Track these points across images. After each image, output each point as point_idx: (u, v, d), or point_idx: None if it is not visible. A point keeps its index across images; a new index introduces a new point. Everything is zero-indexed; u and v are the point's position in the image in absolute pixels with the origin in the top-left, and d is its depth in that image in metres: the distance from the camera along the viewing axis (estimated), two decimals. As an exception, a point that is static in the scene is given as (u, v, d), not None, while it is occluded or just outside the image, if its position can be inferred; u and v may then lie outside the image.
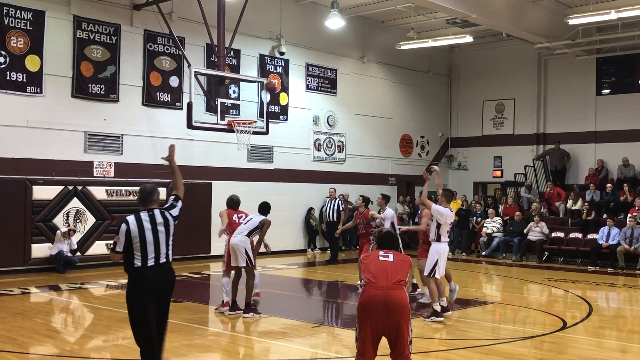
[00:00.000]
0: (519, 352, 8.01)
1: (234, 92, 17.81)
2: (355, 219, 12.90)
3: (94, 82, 15.71)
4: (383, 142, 22.96)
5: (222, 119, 14.39)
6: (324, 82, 21.01)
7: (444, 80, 25.39)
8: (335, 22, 18.37)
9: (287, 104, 19.78)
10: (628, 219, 17.51)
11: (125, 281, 5.84)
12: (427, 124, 24.68)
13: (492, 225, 20.03)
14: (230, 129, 14.44)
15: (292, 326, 9.49)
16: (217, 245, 15.35)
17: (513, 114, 24.02)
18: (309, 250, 20.10)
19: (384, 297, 5.09)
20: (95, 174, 15.76)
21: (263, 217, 10.19)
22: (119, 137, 16.18)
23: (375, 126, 22.60)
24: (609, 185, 19.84)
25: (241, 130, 14.30)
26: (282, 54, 19.46)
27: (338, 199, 18.74)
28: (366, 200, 12.74)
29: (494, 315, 10.93)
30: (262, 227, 10.08)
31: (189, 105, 13.95)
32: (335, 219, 18.25)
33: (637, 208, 17.89)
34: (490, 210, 20.61)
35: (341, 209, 18.31)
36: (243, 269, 10.09)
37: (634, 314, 11.65)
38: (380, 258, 5.30)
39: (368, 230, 12.25)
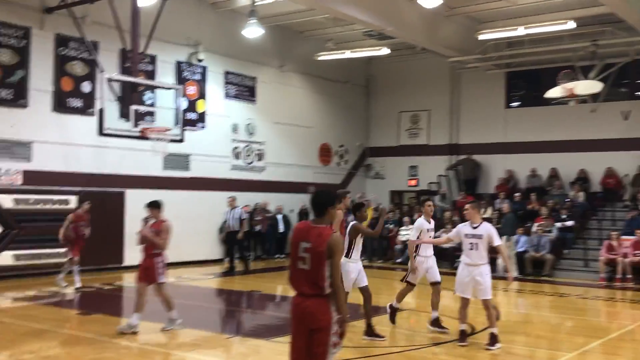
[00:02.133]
0: (428, 359, 8.21)
1: (150, 98, 17.48)
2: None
3: (2, 86, 15.10)
4: (302, 150, 23.10)
5: (136, 126, 14.12)
6: (243, 90, 20.95)
7: (362, 91, 25.80)
8: (253, 31, 18.36)
9: (205, 111, 19.60)
10: (535, 227, 18.27)
11: (34, 293, 5.64)
12: (346, 134, 25.00)
13: (407, 233, 20.44)
14: (144, 136, 14.18)
15: (206, 338, 9.39)
16: (131, 256, 15.00)
17: (428, 125, 24.66)
18: (227, 259, 19.91)
19: None
20: (1, 182, 15.12)
21: None
22: (27, 143, 15.59)
23: (294, 135, 22.72)
24: (517, 194, 20.65)
25: (155, 138, 14.05)
26: (199, 60, 19.29)
27: (239, 208, 18.17)
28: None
29: (408, 322, 11.15)
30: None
31: (101, 111, 13.63)
32: (237, 228, 17.55)
33: (543, 217, 18.71)
34: (406, 219, 21.05)
35: (242, 217, 17.83)
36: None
37: (541, 319, 12.14)
38: None
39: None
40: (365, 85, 25.89)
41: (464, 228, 8.90)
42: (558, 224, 18.60)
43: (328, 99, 24.11)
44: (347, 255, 8.88)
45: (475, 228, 8.75)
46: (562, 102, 19.03)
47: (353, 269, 9.02)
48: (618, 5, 16.05)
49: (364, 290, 9.16)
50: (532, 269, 17.65)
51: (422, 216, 10.00)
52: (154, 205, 9.71)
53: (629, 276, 16.27)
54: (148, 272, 9.45)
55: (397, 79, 25.03)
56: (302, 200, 22.16)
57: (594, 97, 18.77)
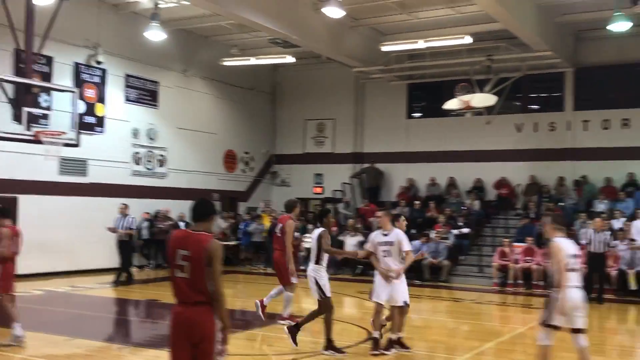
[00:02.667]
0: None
1: (46, 101, 16.79)
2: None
3: None
4: (206, 157, 22.82)
5: (29, 129, 13.53)
6: (144, 94, 20.50)
7: (267, 98, 25.81)
8: (155, 34, 18.01)
9: (104, 115, 19.03)
10: (434, 234, 18.83)
11: None
12: (252, 141, 24.92)
13: (310, 240, 20.56)
14: (37, 140, 13.60)
15: (97, 348, 9.09)
16: (25, 264, 14.29)
17: (333, 133, 24.97)
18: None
19: None
20: None
21: None
22: None
23: (198, 141, 22.42)
24: (417, 202, 21.23)
25: (49, 142, 13.51)
26: (99, 63, 18.73)
27: (130, 216, 17.42)
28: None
29: (304, 330, 11.18)
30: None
31: (-9, 113, 12.97)
32: (127, 237, 16.64)
33: (441, 224, 19.31)
34: (310, 226, 21.17)
35: (133, 226, 17.07)
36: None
37: (439, 324, 12.49)
38: None
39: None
40: (271, 93, 25.92)
41: (376, 236, 9.01)
42: (455, 231, 19.25)
43: (233, 105, 23.97)
44: (317, 262, 8.89)
45: (386, 235, 8.87)
46: (460, 113, 19.72)
47: (325, 274, 8.93)
48: (511, 23, 16.84)
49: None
50: (429, 275, 18.16)
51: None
52: None
53: (520, 281, 17.04)
54: None
55: (303, 87, 25.21)
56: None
57: (489, 110, 19.57)
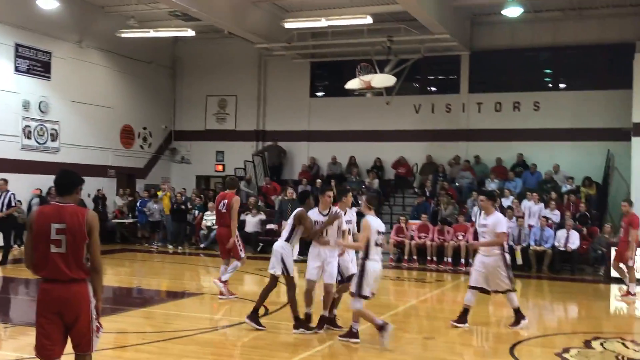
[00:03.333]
0: (218, 340, 8.25)
1: None
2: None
3: None
4: (102, 132, 22.02)
5: None
6: (36, 65, 19.49)
7: (167, 73, 25.17)
8: (47, 2, 17.17)
9: (-9, 86, 17.99)
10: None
11: None
12: (150, 116, 24.25)
13: (211, 218, 20.36)
14: None
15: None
16: None
17: (235, 110, 24.71)
18: (15, 246, 18.45)
19: None
20: None
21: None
22: None
23: (93, 115, 21.58)
24: (318, 180, 21.41)
25: None
26: (-15, 30, 17.64)
27: (10, 192, 16.51)
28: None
29: (203, 306, 11.11)
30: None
31: None
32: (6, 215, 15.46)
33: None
34: (210, 204, 20.93)
35: (12, 203, 16.22)
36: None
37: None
38: None
39: None
40: (171, 67, 25.30)
41: (314, 215, 8.83)
42: (355, 209, 19.52)
43: (131, 79, 23.20)
44: (287, 240, 8.67)
45: (324, 215, 8.73)
46: (361, 93, 19.99)
47: (291, 254, 8.72)
48: (410, 5, 17.16)
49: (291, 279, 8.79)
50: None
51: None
52: None
53: (415, 257, 17.59)
54: None
55: (204, 62, 24.73)
56: (101, 184, 21.26)
57: (389, 91, 19.94)
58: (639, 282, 13.03)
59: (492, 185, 19.53)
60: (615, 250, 13.36)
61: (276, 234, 19.59)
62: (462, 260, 16.84)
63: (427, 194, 20.08)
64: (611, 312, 11.63)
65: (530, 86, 21.41)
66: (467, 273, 11.50)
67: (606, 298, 13.44)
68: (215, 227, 19.85)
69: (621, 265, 12.86)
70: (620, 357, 7.82)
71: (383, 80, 18.91)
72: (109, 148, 22.35)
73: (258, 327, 8.72)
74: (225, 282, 11.19)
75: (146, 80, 23.87)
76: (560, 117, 20.44)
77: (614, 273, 13.68)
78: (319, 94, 24.23)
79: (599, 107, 20.00)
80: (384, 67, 19.81)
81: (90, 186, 20.83)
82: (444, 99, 22.22)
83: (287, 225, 8.88)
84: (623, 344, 8.56)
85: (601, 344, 8.48)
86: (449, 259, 17.14)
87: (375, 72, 19.16)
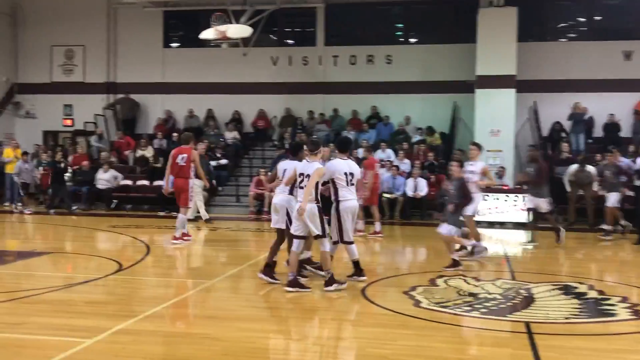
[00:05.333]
0: (68, 298, 7.95)
1: None
2: None
3: None
4: None
5: None
6: None
7: (7, 20, 23.28)
8: None
9: None
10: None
11: None
12: (-12, 67, 22.43)
13: (34, 175, 19.43)
14: None
15: None
16: None
17: (83, 62, 23.39)
18: None
19: None
20: None
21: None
22: None
23: None
24: (175, 134, 20.90)
25: None
26: None
27: None
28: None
29: (53, 266, 10.63)
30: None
31: None
32: None
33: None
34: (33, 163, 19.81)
35: None
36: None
37: (198, 252, 12.51)
38: None
39: None
40: (11, 15, 23.42)
41: (297, 166, 8.61)
42: (213, 163, 19.36)
43: (-36, 26, 21.25)
44: (290, 193, 8.74)
45: (308, 164, 8.49)
46: (217, 44, 19.58)
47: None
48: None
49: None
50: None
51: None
52: None
53: (274, 209, 17.75)
54: None
55: (48, 9, 23.13)
56: None
57: (245, 42, 19.69)
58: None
59: (348, 136, 20.00)
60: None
61: (130, 190, 19.08)
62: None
63: (287, 146, 20.23)
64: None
65: (383, 40, 21.96)
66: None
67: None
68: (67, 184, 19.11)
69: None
70: (460, 292, 8.41)
71: (239, 30, 18.61)
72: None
73: (272, 281, 8.73)
74: (181, 236, 12.35)
75: (-18, 28, 21.95)
76: (411, 70, 21.20)
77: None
78: (174, 44, 23.46)
79: (446, 61, 20.93)
80: (240, 17, 19.47)
81: None
82: (301, 51, 22.29)
83: (284, 179, 8.82)
84: (465, 280, 9.20)
85: (445, 281, 9.06)
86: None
87: (231, 22, 18.80)
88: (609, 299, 8.13)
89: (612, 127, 19.28)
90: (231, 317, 7.15)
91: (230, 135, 21.03)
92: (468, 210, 10.70)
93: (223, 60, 21.80)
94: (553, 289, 8.71)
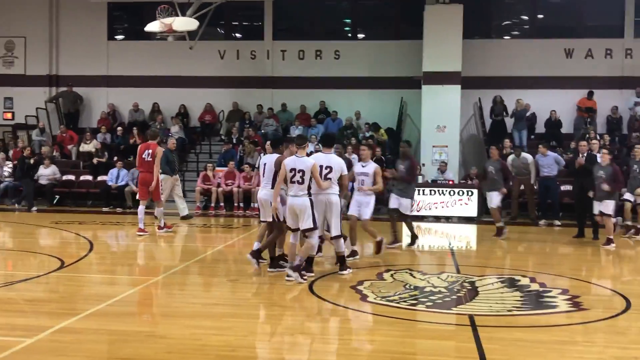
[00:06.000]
0: (7, 296, 7.72)
1: None
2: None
3: None
4: None
5: None
6: None
7: (-58, 9, 22.42)
8: None
9: None
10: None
11: None
12: None
13: (3, 170, 18.82)
14: None
15: None
16: None
17: (24, 54, 22.71)
18: None
19: None
20: None
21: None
22: None
23: None
24: (119, 128, 20.52)
25: None
26: None
27: None
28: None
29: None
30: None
31: None
32: None
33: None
34: (1, 155, 19.33)
35: None
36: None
37: (142, 248, 12.31)
38: None
39: None
40: (-53, 3, 22.56)
41: (287, 162, 8.56)
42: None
43: None
44: (273, 188, 8.88)
45: (298, 159, 8.48)
46: (163, 37, 19.23)
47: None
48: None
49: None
50: (132, 202, 17.80)
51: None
52: None
53: (222, 204, 17.64)
54: None
55: (-15, -1, 22.36)
56: None
57: (192, 35, 19.41)
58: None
59: (296, 131, 19.98)
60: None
61: (73, 185, 18.65)
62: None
63: (234, 141, 20.09)
64: (404, 247, 12.51)
65: (331, 35, 22.02)
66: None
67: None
68: (8, 180, 18.58)
69: None
70: (407, 285, 8.51)
71: (185, 23, 18.30)
72: None
73: (256, 264, 9.02)
74: (163, 226, 13.36)
75: None
76: (358, 66, 21.31)
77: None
78: (118, 37, 22.99)
79: (393, 57, 21.10)
80: (186, 10, 19.17)
81: None
82: (249, 45, 22.14)
83: (267, 173, 9.13)
84: (411, 274, 9.31)
85: (391, 275, 9.15)
86: (256, 205, 17.34)
87: (177, 15, 18.50)
88: (550, 291, 8.34)
89: (553, 123, 19.77)
90: (177, 314, 7.05)
91: (174, 130, 20.73)
92: (366, 214, 10.50)
93: (169, 54, 21.49)
94: (496, 282, 8.89)
